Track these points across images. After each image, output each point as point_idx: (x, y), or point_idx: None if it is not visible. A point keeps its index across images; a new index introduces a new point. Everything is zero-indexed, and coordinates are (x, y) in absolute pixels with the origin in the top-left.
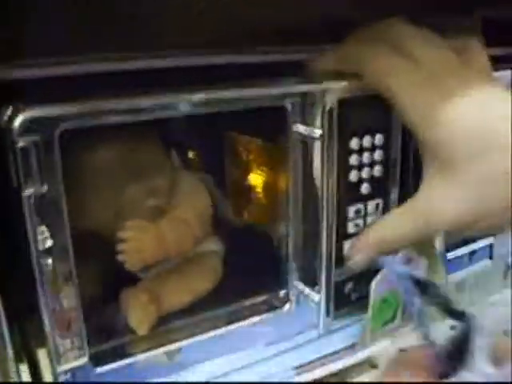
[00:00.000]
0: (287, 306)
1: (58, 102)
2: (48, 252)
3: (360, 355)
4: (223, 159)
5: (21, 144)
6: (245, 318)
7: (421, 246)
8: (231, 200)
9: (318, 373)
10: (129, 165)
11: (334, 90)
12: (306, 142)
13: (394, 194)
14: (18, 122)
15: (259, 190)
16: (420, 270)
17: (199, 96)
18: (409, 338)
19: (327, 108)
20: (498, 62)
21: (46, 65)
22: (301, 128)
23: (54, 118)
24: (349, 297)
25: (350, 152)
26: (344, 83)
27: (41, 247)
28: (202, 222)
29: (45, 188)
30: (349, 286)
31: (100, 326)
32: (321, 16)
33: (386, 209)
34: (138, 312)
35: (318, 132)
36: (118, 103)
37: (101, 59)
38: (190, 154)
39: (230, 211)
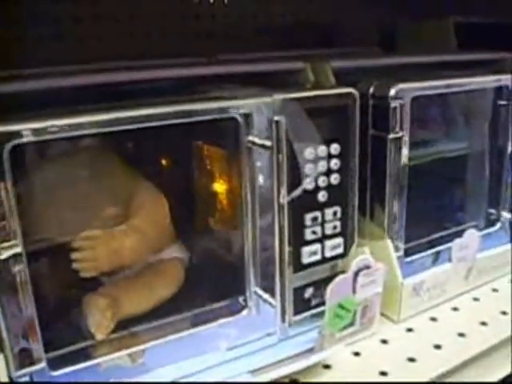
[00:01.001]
0: (246, 312)
1: (7, 118)
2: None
3: (314, 358)
4: (192, 168)
5: None
6: (206, 322)
7: (378, 251)
8: (198, 208)
9: (273, 375)
10: (85, 176)
11: (283, 103)
12: (259, 152)
13: (353, 202)
14: None
15: (222, 197)
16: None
17: (146, 111)
18: (365, 342)
19: (274, 120)
20: (469, 67)
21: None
22: (252, 138)
23: (3, 134)
24: (309, 302)
25: (305, 161)
26: (291, 95)
27: None
28: (159, 231)
29: None
30: (309, 291)
31: (63, 331)
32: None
33: (344, 216)
34: (95, 317)
35: (266, 143)
36: (66, 118)
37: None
38: (159, 164)
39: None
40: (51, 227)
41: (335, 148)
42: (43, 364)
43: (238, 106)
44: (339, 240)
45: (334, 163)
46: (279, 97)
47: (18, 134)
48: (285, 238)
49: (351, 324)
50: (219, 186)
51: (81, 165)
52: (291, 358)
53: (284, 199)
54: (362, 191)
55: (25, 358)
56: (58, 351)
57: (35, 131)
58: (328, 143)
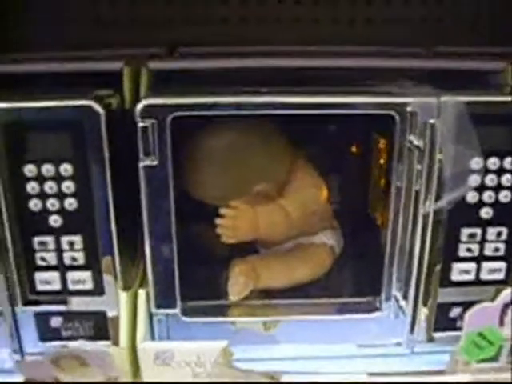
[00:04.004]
0: (381, 314)
1: (173, 93)
2: (152, 213)
3: (437, 379)
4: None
5: (141, 125)
6: (343, 313)
7: None
8: (360, 199)
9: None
10: (243, 151)
11: (449, 105)
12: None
13: None
14: (139, 107)
15: (381, 194)
16: None
17: (298, 99)
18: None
19: (429, 122)
20: None
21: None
22: (412, 138)
23: (166, 106)
24: (454, 322)
25: (469, 172)
26: (461, 98)
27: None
28: (308, 216)
29: (156, 162)
30: (456, 311)
31: (213, 287)
32: None
33: (511, 238)
34: (231, 279)
35: (419, 143)
36: (222, 98)
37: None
38: (324, 151)
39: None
40: (208, 193)
41: (510, 162)
42: (177, 309)
43: (397, 103)
44: (500, 264)
45: (507, 179)
46: (446, 98)
47: (177, 107)
48: (425, 249)
49: (494, 359)
50: (380, 182)
51: (238, 140)
52: (416, 373)
53: (430, 208)
54: None
55: (163, 299)
56: (195, 302)
57: (197, 105)
58: (502, 156)
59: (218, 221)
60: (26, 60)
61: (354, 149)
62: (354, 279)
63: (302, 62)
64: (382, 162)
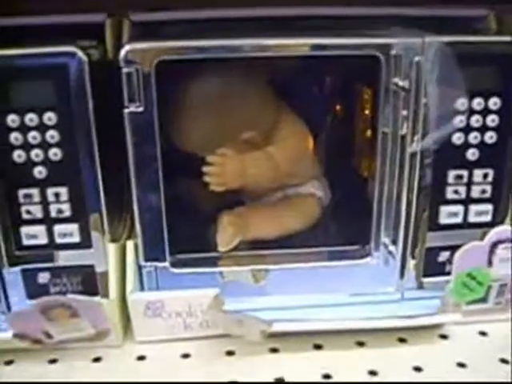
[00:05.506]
0: (371, 261)
1: (156, 39)
2: (138, 161)
3: (430, 319)
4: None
5: (125, 70)
6: (333, 261)
7: None
8: (357, 152)
9: (383, 324)
10: (229, 98)
11: (434, 46)
12: (403, 96)
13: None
14: (123, 52)
15: (366, 141)
16: None
17: (284, 41)
18: (497, 325)
19: (415, 61)
20: None
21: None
22: (397, 81)
23: (150, 51)
24: (443, 266)
25: (455, 112)
26: (445, 39)
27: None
28: (295, 164)
29: (141, 108)
30: (445, 255)
31: (201, 239)
32: None
33: (497, 180)
34: (220, 230)
35: (407, 85)
36: (208, 41)
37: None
38: (311, 100)
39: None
40: (194, 142)
41: (495, 102)
42: (166, 263)
43: (382, 44)
44: (487, 206)
45: (492, 119)
46: (430, 39)
47: (161, 52)
48: (413, 193)
49: (483, 300)
50: (365, 132)
51: (223, 87)
52: (407, 317)
53: (417, 147)
54: None
55: (152, 251)
56: (184, 254)
57: (180, 49)
58: (487, 96)
59: (205, 168)
60: (10, 13)
61: (339, 100)
62: (343, 229)
63: (289, 11)
64: (366, 112)
